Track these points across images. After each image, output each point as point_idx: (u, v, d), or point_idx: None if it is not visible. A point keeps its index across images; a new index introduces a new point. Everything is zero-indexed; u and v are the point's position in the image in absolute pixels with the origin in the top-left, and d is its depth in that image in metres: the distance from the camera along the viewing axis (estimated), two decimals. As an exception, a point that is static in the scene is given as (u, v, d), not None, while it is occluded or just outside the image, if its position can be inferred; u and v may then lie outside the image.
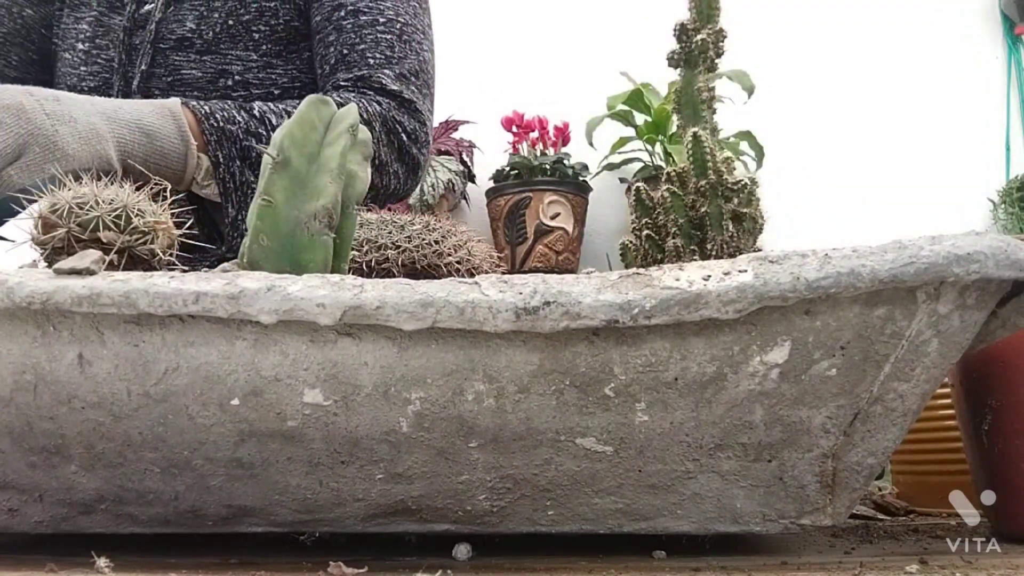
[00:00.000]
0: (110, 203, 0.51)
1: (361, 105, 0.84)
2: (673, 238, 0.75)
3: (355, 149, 0.53)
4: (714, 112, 0.77)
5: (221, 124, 0.75)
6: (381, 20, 0.90)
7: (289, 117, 0.79)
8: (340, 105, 0.80)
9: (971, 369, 0.58)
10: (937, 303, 0.43)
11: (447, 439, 0.45)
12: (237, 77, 0.90)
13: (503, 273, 0.47)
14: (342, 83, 0.88)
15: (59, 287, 0.42)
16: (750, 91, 0.97)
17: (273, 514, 0.48)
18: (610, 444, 0.46)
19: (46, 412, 0.45)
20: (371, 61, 0.88)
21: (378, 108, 0.85)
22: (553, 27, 2.00)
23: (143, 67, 0.89)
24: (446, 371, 0.44)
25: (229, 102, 0.79)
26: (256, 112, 0.79)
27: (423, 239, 0.69)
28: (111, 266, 0.49)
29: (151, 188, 0.55)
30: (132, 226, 0.51)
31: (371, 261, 0.67)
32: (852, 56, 1.92)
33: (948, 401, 0.74)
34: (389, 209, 0.86)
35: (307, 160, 0.51)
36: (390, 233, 0.69)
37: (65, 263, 0.44)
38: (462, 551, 0.48)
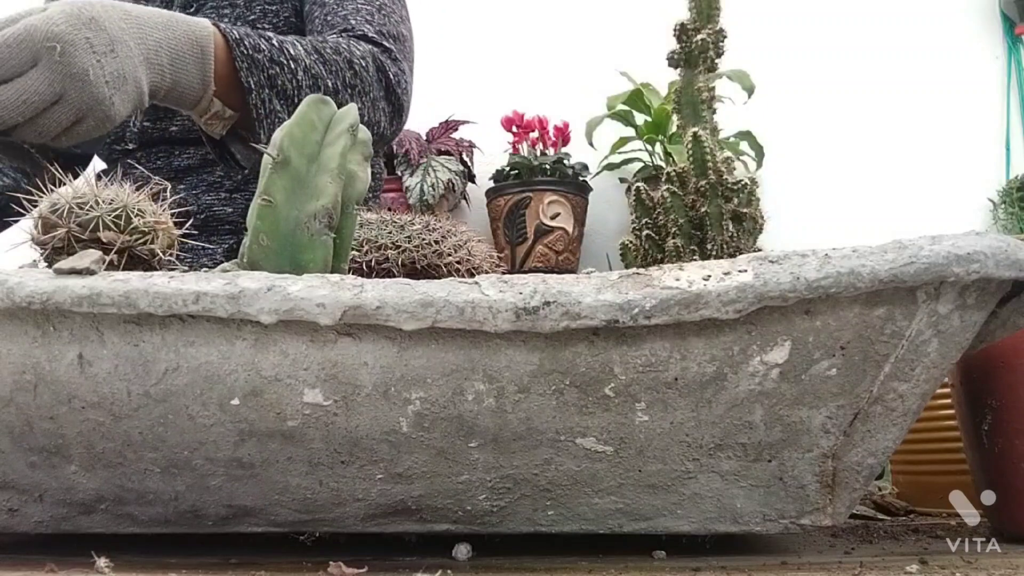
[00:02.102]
0: (110, 203, 0.51)
1: (351, 44, 0.86)
2: (673, 238, 0.75)
3: (355, 149, 0.53)
4: (714, 112, 0.77)
5: (249, 52, 0.76)
6: None
7: (304, 49, 0.81)
8: (329, 50, 0.84)
9: (971, 369, 0.58)
10: (937, 303, 0.43)
11: (447, 439, 0.45)
12: None
13: (503, 273, 0.47)
14: (327, 36, 0.91)
15: (59, 287, 0.42)
16: (750, 91, 0.97)
17: (273, 514, 0.48)
18: (610, 444, 0.46)
19: (46, 412, 0.45)
20: (352, 22, 0.92)
21: (367, 48, 0.88)
22: (553, 27, 2.00)
23: None
24: (446, 371, 0.44)
25: (252, 31, 0.81)
26: (275, 41, 0.81)
27: (423, 239, 0.69)
28: (111, 266, 0.49)
29: (151, 188, 0.55)
30: (132, 226, 0.51)
31: (371, 261, 0.67)
32: (852, 56, 1.91)
33: (948, 401, 0.74)
34: (389, 209, 0.86)
35: (307, 160, 0.51)
36: (390, 233, 0.69)
37: (65, 263, 0.44)
38: (462, 551, 0.48)
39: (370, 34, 0.91)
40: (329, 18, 0.93)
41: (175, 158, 0.99)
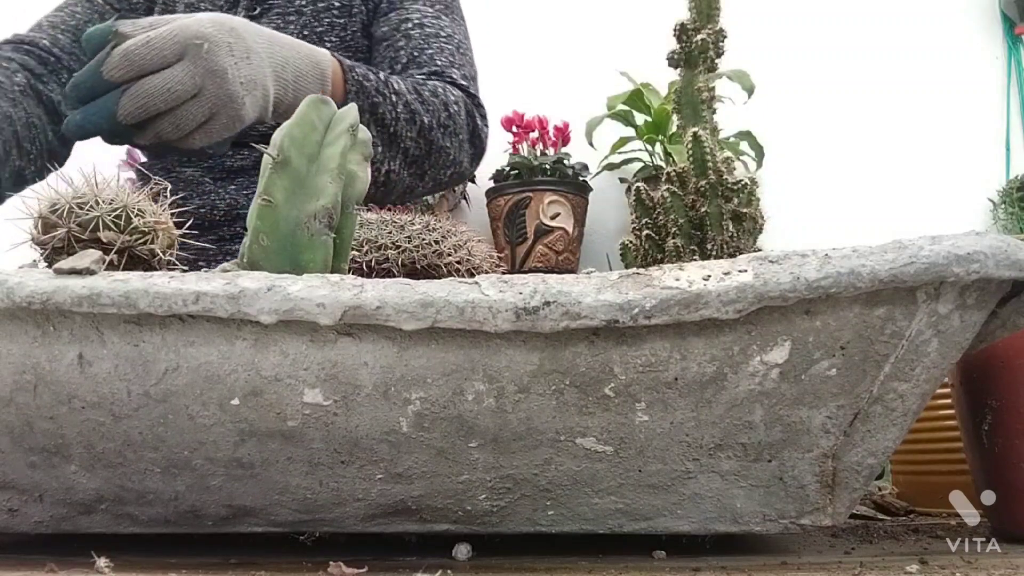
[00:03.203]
0: (110, 203, 0.51)
1: (447, 90, 0.95)
2: (673, 238, 0.75)
3: (355, 149, 0.53)
4: (714, 112, 0.77)
5: (360, 79, 0.83)
6: (442, 34, 1.03)
7: (406, 86, 0.89)
8: (428, 92, 0.92)
9: (971, 369, 0.58)
10: (937, 303, 0.43)
11: (447, 439, 0.45)
12: None
13: (503, 273, 0.47)
14: (418, 77, 0.98)
15: (59, 287, 0.42)
16: (750, 91, 0.97)
17: (273, 514, 0.48)
18: (610, 444, 0.46)
19: (46, 412, 0.45)
20: (439, 63, 1.00)
21: (460, 94, 0.97)
22: (553, 27, 2.00)
23: None
24: (446, 371, 0.44)
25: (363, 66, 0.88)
26: (382, 76, 0.88)
27: (423, 239, 0.69)
28: (111, 266, 0.49)
29: (151, 188, 0.55)
30: (132, 226, 0.51)
31: (371, 261, 0.67)
32: (852, 56, 1.92)
33: (948, 401, 0.74)
34: (389, 209, 0.87)
35: (307, 160, 0.51)
36: (390, 233, 0.69)
37: (65, 263, 0.44)
38: (462, 551, 0.48)
39: (459, 80, 1.00)
40: (416, 55, 1.01)
41: (228, 159, 1.02)
